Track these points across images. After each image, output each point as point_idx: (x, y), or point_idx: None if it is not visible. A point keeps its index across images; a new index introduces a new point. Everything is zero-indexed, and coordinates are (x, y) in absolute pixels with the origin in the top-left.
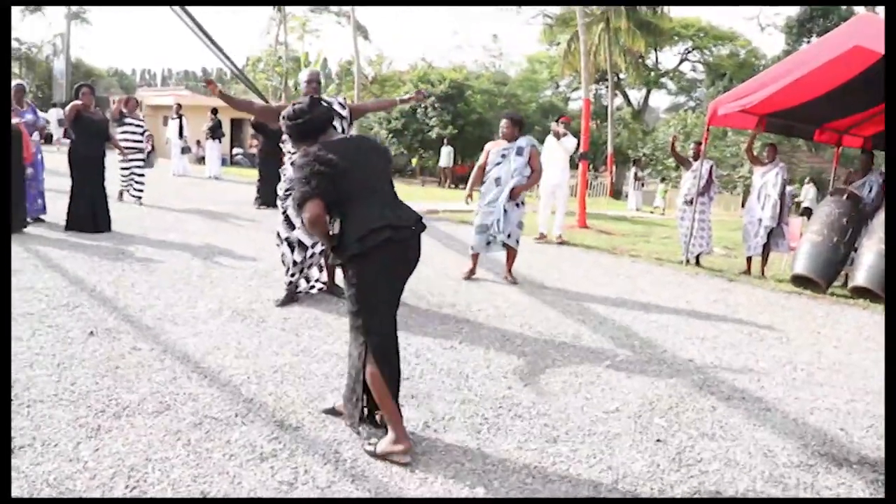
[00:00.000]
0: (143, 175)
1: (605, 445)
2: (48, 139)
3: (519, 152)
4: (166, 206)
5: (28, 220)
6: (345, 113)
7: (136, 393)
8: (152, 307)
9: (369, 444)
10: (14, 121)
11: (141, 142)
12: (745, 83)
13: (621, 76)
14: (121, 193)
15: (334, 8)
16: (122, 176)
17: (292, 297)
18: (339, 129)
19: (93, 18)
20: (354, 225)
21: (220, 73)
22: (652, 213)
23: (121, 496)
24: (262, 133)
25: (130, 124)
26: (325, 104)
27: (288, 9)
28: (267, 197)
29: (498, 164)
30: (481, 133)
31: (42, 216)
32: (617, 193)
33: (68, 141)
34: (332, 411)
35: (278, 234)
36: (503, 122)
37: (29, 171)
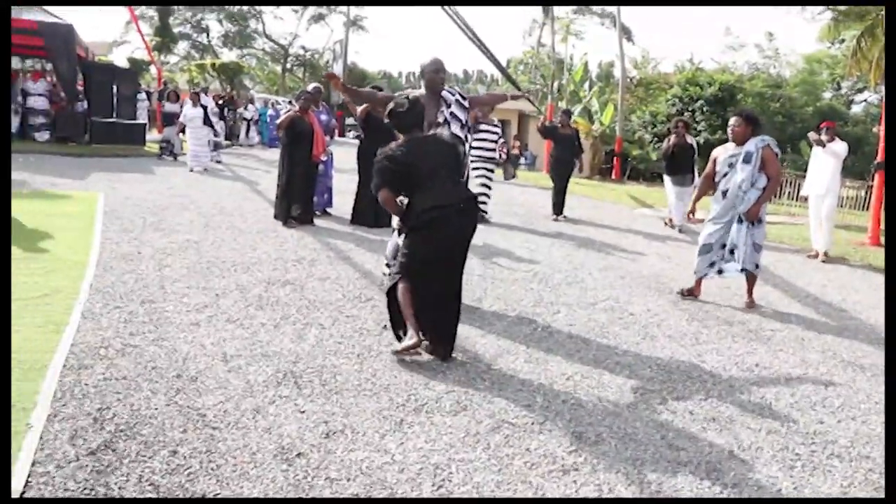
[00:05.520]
0: (490, 188)
1: None
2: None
3: (747, 158)
4: None
5: (316, 212)
6: (466, 104)
7: (433, 390)
8: None
9: (393, 349)
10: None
11: (494, 150)
12: None
13: None
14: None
15: (597, 9)
16: (480, 193)
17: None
18: (464, 118)
19: (367, 24)
20: (416, 205)
21: (480, 75)
22: None
23: (428, 495)
24: (552, 139)
25: (486, 131)
26: (448, 93)
27: (553, 10)
28: (562, 207)
29: (725, 174)
30: None
31: (328, 209)
32: None
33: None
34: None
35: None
36: (732, 119)
37: (320, 167)
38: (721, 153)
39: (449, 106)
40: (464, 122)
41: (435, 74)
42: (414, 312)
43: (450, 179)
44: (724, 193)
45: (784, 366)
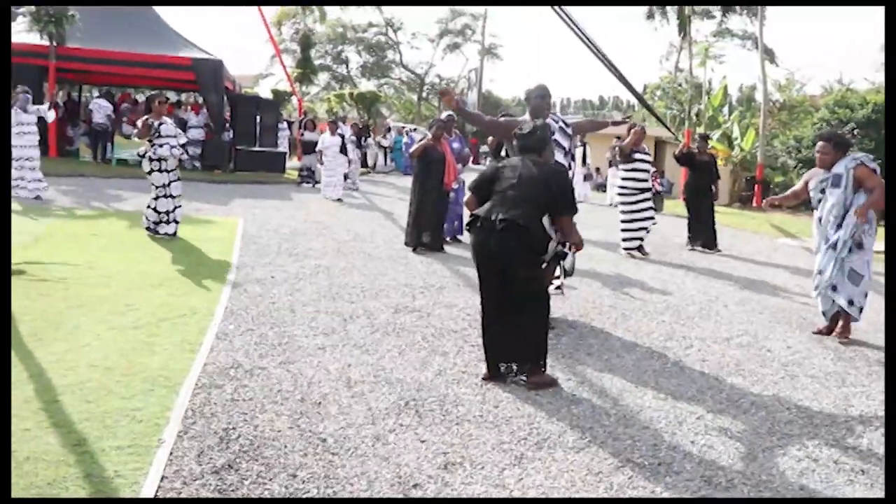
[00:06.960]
0: (632, 222)
1: None
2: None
3: (835, 182)
4: None
5: (446, 239)
6: (569, 131)
7: (556, 424)
8: (567, 334)
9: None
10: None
11: (647, 179)
12: None
13: None
14: (635, 249)
15: (738, 30)
16: (624, 229)
17: None
18: (567, 146)
19: (502, 52)
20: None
21: (616, 101)
22: None
23: None
24: (689, 165)
25: (640, 160)
26: (552, 120)
27: (690, 33)
28: (700, 236)
29: (819, 200)
30: None
31: (459, 237)
32: None
33: None
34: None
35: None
36: (818, 144)
37: (451, 195)
38: (812, 177)
39: (553, 133)
40: (567, 149)
41: (540, 100)
42: (484, 344)
43: (513, 200)
44: (819, 221)
45: None
